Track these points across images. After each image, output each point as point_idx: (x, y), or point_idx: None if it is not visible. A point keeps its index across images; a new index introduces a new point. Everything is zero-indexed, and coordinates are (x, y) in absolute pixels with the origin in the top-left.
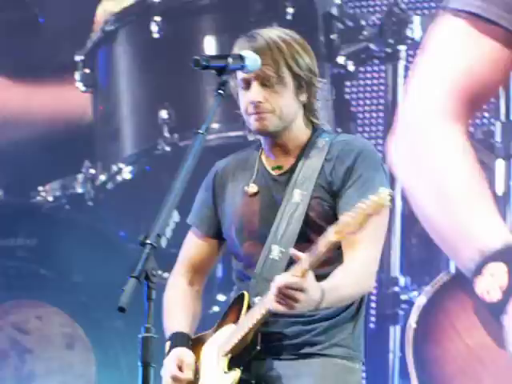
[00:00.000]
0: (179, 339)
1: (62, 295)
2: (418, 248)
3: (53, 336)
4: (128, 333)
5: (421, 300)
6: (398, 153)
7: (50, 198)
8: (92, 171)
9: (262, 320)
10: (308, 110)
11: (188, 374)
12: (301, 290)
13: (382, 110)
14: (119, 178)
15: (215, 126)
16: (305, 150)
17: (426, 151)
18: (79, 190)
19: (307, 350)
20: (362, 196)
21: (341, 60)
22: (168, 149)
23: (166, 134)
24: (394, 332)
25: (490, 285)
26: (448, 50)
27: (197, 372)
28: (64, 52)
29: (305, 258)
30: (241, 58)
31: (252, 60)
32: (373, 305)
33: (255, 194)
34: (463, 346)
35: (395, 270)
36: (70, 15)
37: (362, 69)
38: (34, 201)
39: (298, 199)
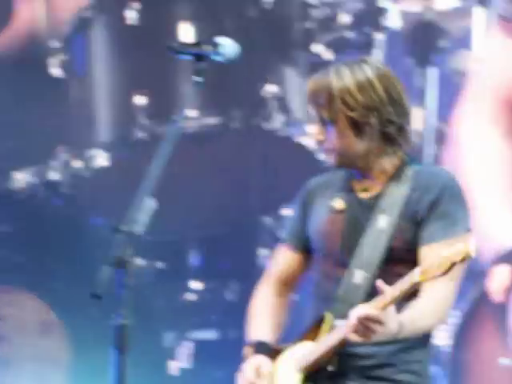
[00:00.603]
0: (260, 348)
1: (36, 282)
2: None
3: (27, 323)
4: (103, 320)
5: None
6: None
7: (24, 184)
8: (66, 156)
9: (337, 345)
10: (385, 137)
11: (263, 382)
12: (379, 322)
13: None
14: (96, 164)
15: (192, 113)
16: (393, 178)
17: (459, 148)
18: (54, 177)
19: (377, 372)
20: (443, 230)
21: (317, 48)
22: (145, 135)
23: (143, 121)
24: None
25: (496, 286)
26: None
27: (271, 382)
28: None
29: (388, 292)
30: (216, 44)
31: (228, 47)
32: None
33: (341, 211)
34: None
35: None
36: None
37: (338, 57)
38: (8, 187)
39: (383, 225)
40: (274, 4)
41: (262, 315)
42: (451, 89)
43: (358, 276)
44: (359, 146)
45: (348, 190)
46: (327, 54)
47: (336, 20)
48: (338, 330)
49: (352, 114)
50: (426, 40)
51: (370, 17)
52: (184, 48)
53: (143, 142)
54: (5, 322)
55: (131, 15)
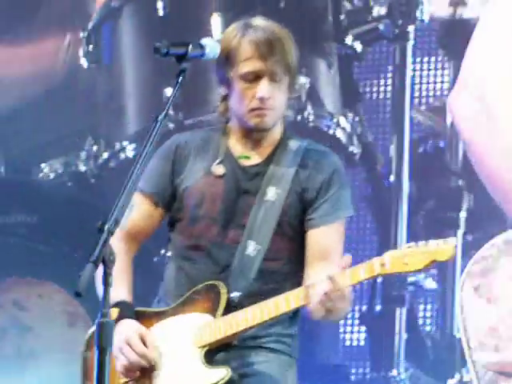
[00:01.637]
0: (127, 309)
1: (63, 273)
2: (425, 229)
3: (54, 314)
4: None
5: None
6: (466, 108)
7: (52, 175)
8: (95, 148)
9: (250, 327)
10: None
11: (154, 354)
12: (344, 298)
13: (390, 90)
14: (122, 155)
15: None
16: (278, 148)
17: (496, 108)
18: (82, 168)
19: (257, 342)
20: (333, 213)
21: (349, 40)
22: (172, 126)
23: (171, 112)
24: (400, 314)
25: None
26: None
27: (162, 353)
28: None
29: (346, 274)
30: (200, 46)
31: (212, 47)
32: (379, 286)
33: (221, 176)
34: None
35: None
36: None
37: (370, 49)
38: (35, 178)
39: (272, 197)
40: None
41: (120, 274)
42: None
43: (251, 248)
44: (285, 105)
45: (228, 155)
46: (359, 46)
47: (368, 11)
48: (251, 312)
49: (295, 72)
50: (458, 32)
51: (403, 8)
52: (168, 48)
53: (171, 133)
54: (31, 313)
55: (160, 5)
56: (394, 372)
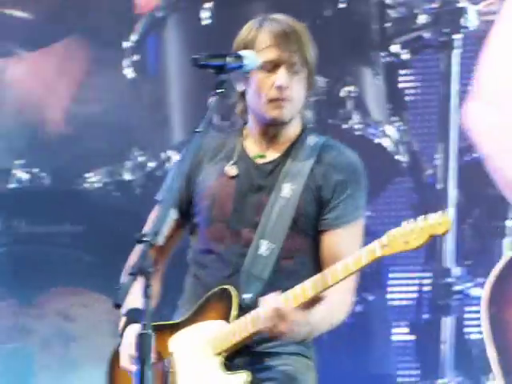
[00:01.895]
0: (137, 316)
1: (107, 283)
2: (472, 237)
3: (98, 324)
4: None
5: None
6: (482, 118)
7: (98, 185)
8: (140, 158)
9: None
10: (305, 105)
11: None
12: (290, 321)
13: (436, 98)
14: (168, 165)
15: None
16: (294, 146)
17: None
18: (127, 177)
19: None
20: (349, 215)
21: (394, 49)
22: None
23: (216, 121)
24: (448, 322)
25: None
26: None
27: (171, 364)
28: None
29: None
30: (239, 57)
31: (251, 59)
32: (426, 296)
33: (234, 177)
34: None
35: (448, 260)
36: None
37: (415, 57)
38: (81, 187)
39: (287, 194)
40: (350, 3)
41: (136, 284)
42: None
43: (264, 247)
44: (304, 99)
45: (243, 157)
46: (405, 54)
47: (413, 20)
48: (261, 313)
49: (312, 67)
50: None
51: (448, 17)
52: (206, 60)
53: None
54: (76, 323)
55: (205, 14)
56: (443, 380)
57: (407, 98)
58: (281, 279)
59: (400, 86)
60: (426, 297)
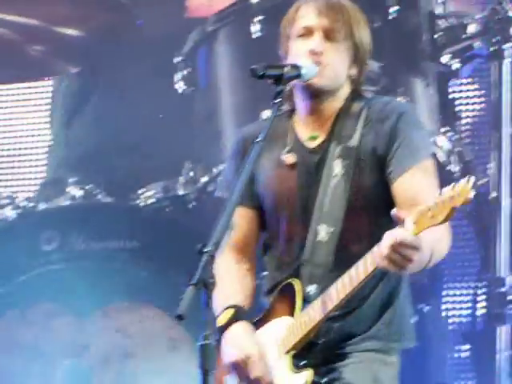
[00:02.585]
0: (242, 314)
1: (164, 297)
2: None
3: (156, 339)
4: None
5: None
6: None
7: (152, 200)
8: (193, 173)
9: (324, 317)
10: (355, 86)
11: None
12: (416, 248)
13: (487, 108)
14: (220, 179)
15: None
16: (339, 116)
17: None
18: (181, 192)
19: (341, 350)
20: (410, 157)
21: (445, 59)
22: None
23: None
24: (503, 332)
25: None
26: None
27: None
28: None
29: (409, 218)
30: (297, 67)
31: (308, 68)
32: (480, 305)
33: (292, 165)
34: None
35: (502, 269)
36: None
37: (466, 67)
38: (135, 203)
39: (339, 171)
40: (400, 14)
41: (226, 283)
42: None
43: (322, 232)
44: (346, 71)
45: (296, 141)
46: (455, 65)
47: (463, 29)
48: (333, 287)
49: (361, 45)
50: None
51: (499, 26)
52: (265, 70)
53: None
54: (133, 339)
55: (254, 28)
56: None
57: (458, 108)
58: (347, 265)
59: (451, 96)
60: (480, 306)
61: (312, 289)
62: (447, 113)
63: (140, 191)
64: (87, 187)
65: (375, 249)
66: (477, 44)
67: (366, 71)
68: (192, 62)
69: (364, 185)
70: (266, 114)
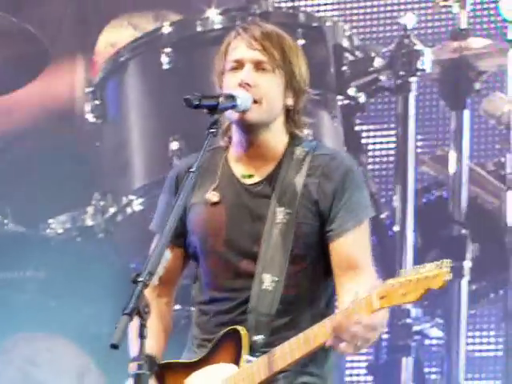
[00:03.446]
0: (148, 364)
1: (72, 327)
2: None
3: (64, 368)
4: None
5: None
6: None
7: (60, 230)
8: (102, 203)
9: (277, 372)
10: (291, 116)
11: None
12: (372, 328)
13: (394, 141)
14: (129, 209)
15: None
16: (283, 160)
17: None
18: (90, 223)
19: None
20: (353, 219)
21: (351, 92)
22: None
23: None
24: (407, 363)
25: None
26: None
27: None
28: None
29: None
30: (232, 97)
31: (244, 99)
32: (385, 336)
33: (217, 203)
34: None
35: None
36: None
37: (372, 100)
38: (43, 233)
39: (282, 220)
40: (306, 46)
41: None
42: (484, 132)
43: (267, 281)
44: (281, 106)
45: (227, 176)
46: (362, 97)
47: (370, 63)
48: (272, 358)
49: (294, 72)
50: (459, 82)
51: (404, 59)
52: (200, 100)
53: None
54: (42, 367)
55: (164, 59)
56: None
57: (364, 141)
58: (287, 311)
59: (357, 128)
60: (384, 337)
61: (259, 338)
62: (353, 145)
63: (49, 221)
64: None
65: (327, 323)
66: (383, 77)
67: (304, 100)
68: (102, 93)
69: (304, 234)
70: (175, 145)
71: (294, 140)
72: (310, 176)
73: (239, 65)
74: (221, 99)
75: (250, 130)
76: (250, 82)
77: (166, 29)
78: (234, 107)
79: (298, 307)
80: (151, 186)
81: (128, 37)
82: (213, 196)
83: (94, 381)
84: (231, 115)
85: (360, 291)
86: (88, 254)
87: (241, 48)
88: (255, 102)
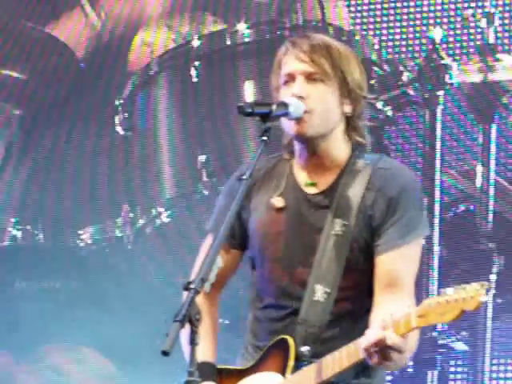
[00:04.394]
0: (206, 371)
1: (101, 338)
2: None
3: (91, 378)
4: (167, 375)
5: None
6: None
7: (90, 242)
8: (131, 215)
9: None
10: (351, 124)
11: None
12: (399, 351)
13: (421, 154)
14: (158, 221)
15: None
16: (345, 171)
17: None
18: (118, 234)
19: None
20: (402, 237)
21: (379, 105)
22: (206, 193)
23: (205, 178)
24: (432, 377)
25: None
26: None
27: None
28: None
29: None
30: (285, 104)
31: (296, 106)
32: None
33: (281, 209)
34: None
35: None
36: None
37: (400, 114)
38: (73, 244)
39: (338, 231)
40: None
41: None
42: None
43: (319, 292)
44: (339, 115)
45: (291, 183)
46: (390, 111)
47: (398, 77)
48: (324, 365)
49: (348, 80)
50: (487, 97)
51: (432, 73)
52: (252, 108)
53: (205, 199)
54: (70, 377)
55: (193, 72)
56: None
57: (392, 154)
58: (338, 323)
59: (385, 142)
60: None
61: (305, 349)
62: None
63: (78, 232)
64: (27, 227)
65: (361, 340)
66: (411, 91)
67: (363, 106)
68: (131, 106)
69: (359, 247)
70: (202, 157)
71: (356, 151)
72: (368, 190)
73: (291, 78)
74: (273, 107)
75: (309, 141)
76: (303, 94)
77: (196, 42)
78: (286, 115)
79: (348, 319)
80: (180, 198)
81: (163, 37)
82: (278, 202)
83: None
84: (289, 130)
85: (395, 311)
86: (116, 265)
87: (291, 62)
88: (307, 112)
